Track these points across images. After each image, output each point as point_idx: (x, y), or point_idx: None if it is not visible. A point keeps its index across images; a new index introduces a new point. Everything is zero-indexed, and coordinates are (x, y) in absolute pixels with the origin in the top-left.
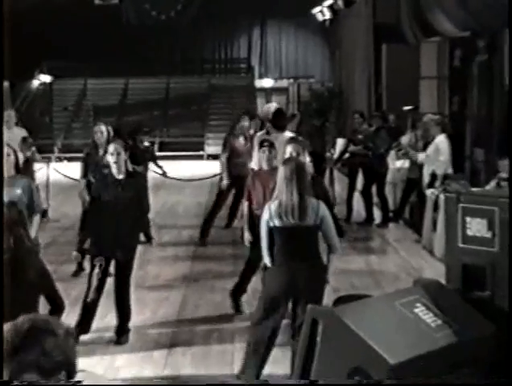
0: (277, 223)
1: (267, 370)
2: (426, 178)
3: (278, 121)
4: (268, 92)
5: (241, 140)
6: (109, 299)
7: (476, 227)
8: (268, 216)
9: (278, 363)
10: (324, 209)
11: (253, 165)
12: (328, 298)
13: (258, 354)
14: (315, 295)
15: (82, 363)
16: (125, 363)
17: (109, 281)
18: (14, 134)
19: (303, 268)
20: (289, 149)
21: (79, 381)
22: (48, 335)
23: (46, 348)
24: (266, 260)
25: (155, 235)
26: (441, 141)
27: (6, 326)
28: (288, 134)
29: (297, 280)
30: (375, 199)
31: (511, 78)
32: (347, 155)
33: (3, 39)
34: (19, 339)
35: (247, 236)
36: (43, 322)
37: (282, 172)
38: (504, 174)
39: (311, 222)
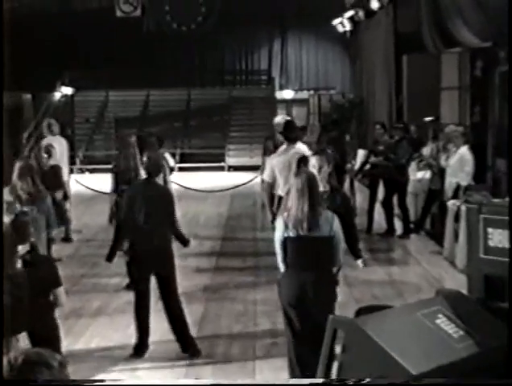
0: (291, 233)
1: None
2: (448, 189)
3: (290, 132)
4: (289, 104)
5: None
6: (131, 310)
7: (498, 237)
8: (283, 227)
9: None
10: (337, 222)
11: (267, 178)
12: (350, 309)
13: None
14: (324, 306)
15: (104, 373)
16: (147, 374)
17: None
18: (58, 142)
19: (314, 278)
20: (313, 162)
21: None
22: (43, 367)
23: (42, 379)
24: (281, 266)
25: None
26: (465, 152)
27: (3, 360)
28: (300, 146)
29: (307, 290)
30: (396, 210)
31: (510, 84)
32: (368, 166)
33: (3, 47)
34: (15, 373)
35: None
36: (37, 355)
37: (294, 184)
38: None
39: (326, 233)
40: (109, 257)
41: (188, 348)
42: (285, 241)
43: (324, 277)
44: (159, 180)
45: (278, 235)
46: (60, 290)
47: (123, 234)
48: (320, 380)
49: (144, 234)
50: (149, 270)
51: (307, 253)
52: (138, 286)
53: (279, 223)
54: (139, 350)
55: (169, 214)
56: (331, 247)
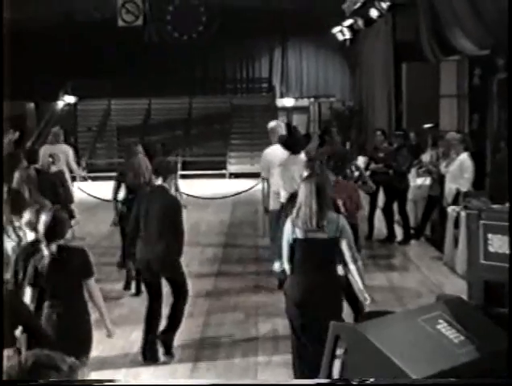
0: (299, 235)
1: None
2: (448, 196)
3: (294, 145)
4: (289, 111)
5: None
6: (134, 317)
7: (498, 243)
8: (291, 228)
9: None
10: (343, 220)
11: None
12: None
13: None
14: (331, 306)
15: (108, 378)
16: (150, 379)
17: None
18: (61, 150)
19: (320, 279)
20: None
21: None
22: (52, 371)
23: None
24: (287, 267)
25: None
26: (465, 158)
27: (10, 362)
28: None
29: (314, 290)
30: (396, 217)
31: (510, 90)
32: (368, 173)
33: (3, 54)
34: (25, 373)
35: None
36: (47, 357)
37: (303, 187)
38: None
39: (332, 234)
40: (121, 263)
41: (168, 350)
42: (293, 243)
43: (330, 279)
44: (171, 185)
45: (286, 235)
46: (93, 282)
47: (132, 240)
48: (323, 381)
49: (148, 241)
50: (156, 276)
51: (314, 255)
52: (148, 291)
53: (288, 224)
54: (145, 353)
55: (174, 223)
56: (338, 248)
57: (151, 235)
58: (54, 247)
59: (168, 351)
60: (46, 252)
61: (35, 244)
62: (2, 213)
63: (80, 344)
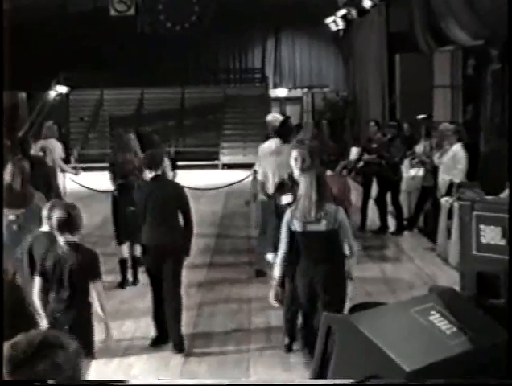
0: (298, 227)
1: (284, 376)
2: (441, 187)
3: (286, 132)
4: (282, 102)
5: None
6: (126, 308)
7: (491, 234)
8: (289, 219)
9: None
10: (342, 213)
11: (260, 177)
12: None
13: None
14: (334, 298)
15: (99, 371)
16: (142, 371)
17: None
18: (52, 145)
19: (323, 271)
20: (294, 155)
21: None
22: (59, 349)
23: (56, 361)
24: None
25: None
26: (458, 149)
27: (19, 338)
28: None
29: (316, 283)
30: (389, 208)
31: (511, 83)
32: (361, 164)
33: (3, 48)
34: (31, 351)
35: None
36: (55, 337)
37: (303, 180)
38: None
39: (330, 226)
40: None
41: (175, 344)
42: (291, 235)
43: (332, 272)
44: (167, 173)
45: (284, 226)
46: (99, 286)
47: (139, 229)
48: (322, 381)
49: (157, 228)
50: (160, 261)
51: (315, 247)
52: (151, 279)
53: (286, 216)
54: (159, 341)
55: (182, 208)
56: (337, 240)
57: (159, 221)
58: (66, 241)
59: (179, 348)
60: (59, 244)
61: (48, 235)
62: (2, 211)
63: (83, 344)
